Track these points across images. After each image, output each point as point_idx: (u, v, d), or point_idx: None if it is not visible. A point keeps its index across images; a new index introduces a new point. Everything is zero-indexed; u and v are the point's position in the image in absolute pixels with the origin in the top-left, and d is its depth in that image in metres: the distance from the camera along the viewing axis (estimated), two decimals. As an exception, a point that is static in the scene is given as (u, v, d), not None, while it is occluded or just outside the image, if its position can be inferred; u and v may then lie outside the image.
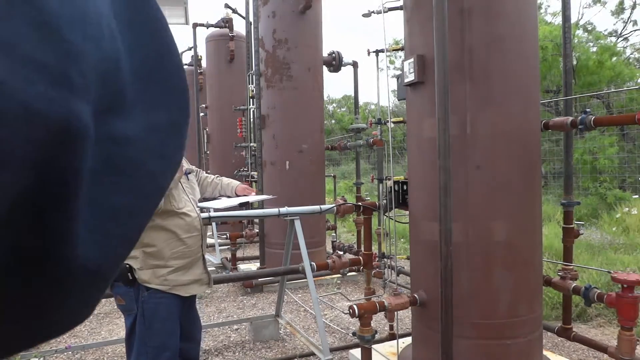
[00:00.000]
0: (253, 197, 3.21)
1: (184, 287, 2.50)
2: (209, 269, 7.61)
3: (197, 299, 5.82)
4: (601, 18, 43.32)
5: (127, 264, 2.34)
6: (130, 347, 2.53)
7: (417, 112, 3.13)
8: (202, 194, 3.04)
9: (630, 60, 14.30)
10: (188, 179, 2.71)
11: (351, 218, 9.72)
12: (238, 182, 3.21)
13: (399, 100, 4.45)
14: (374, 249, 4.88)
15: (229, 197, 3.15)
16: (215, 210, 3.11)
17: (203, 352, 4.20)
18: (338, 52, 7.28)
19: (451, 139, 2.53)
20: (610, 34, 15.66)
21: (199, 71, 10.50)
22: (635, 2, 15.13)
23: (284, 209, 3.91)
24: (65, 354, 4.14)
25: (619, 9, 15.38)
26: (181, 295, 2.50)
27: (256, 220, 7.92)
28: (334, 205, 3.99)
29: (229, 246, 6.87)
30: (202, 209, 3.17)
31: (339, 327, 4.74)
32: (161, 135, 0.34)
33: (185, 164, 2.80)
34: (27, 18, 0.23)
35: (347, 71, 7.90)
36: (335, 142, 8.17)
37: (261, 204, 6.43)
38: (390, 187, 3.72)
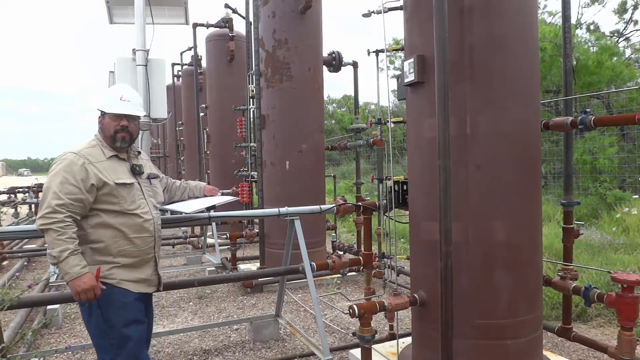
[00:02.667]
0: (217, 199, 3.27)
1: (132, 284, 2.54)
2: (208, 269, 7.59)
3: (197, 299, 5.83)
4: (602, 18, 43.30)
5: None
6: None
7: (417, 112, 3.13)
8: (172, 199, 3.16)
9: (631, 61, 14.29)
10: (150, 183, 2.78)
11: (351, 218, 9.72)
12: (204, 183, 3.35)
13: (399, 100, 4.45)
14: (374, 249, 4.88)
15: (197, 197, 3.28)
16: (186, 214, 3.18)
17: (203, 352, 4.21)
18: (338, 52, 7.28)
19: (451, 139, 2.53)
20: (612, 34, 15.66)
21: (199, 71, 10.50)
22: (637, 2, 15.12)
23: (284, 209, 3.91)
24: (65, 354, 4.14)
25: (622, 9, 15.37)
26: (131, 290, 2.54)
27: (256, 220, 7.93)
28: (334, 205, 3.99)
29: (229, 246, 6.87)
30: (171, 212, 3.25)
31: (339, 327, 4.74)
32: None
33: (152, 169, 2.90)
34: None
35: (347, 71, 7.90)
36: (335, 142, 8.17)
37: (261, 204, 6.44)
38: (390, 187, 3.72)
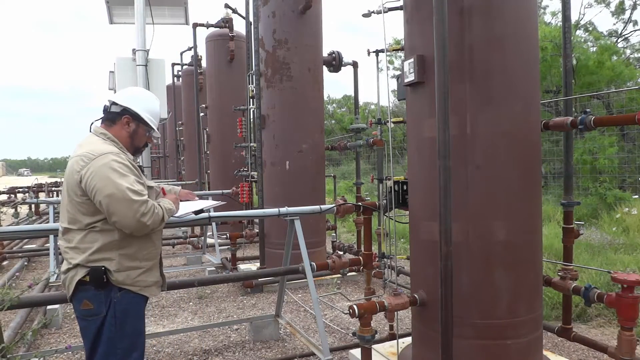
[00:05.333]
0: (205, 203, 3.22)
1: (148, 289, 2.50)
2: (208, 269, 7.59)
3: (197, 299, 5.82)
4: (601, 18, 43.30)
5: (103, 266, 2.30)
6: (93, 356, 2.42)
7: (417, 112, 3.13)
8: None
9: (630, 61, 14.29)
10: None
11: (351, 218, 9.72)
12: (179, 188, 3.23)
13: (399, 100, 4.46)
14: (374, 249, 4.88)
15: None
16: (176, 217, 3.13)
17: (203, 352, 4.21)
18: (338, 52, 7.28)
19: (451, 139, 2.53)
20: (610, 34, 15.66)
21: (199, 71, 10.49)
22: (635, 2, 15.13)
23: (284, 209, 3.91)
24: (65, 354, 4.14)
25: (620, 9, 15.37)
26: (145, 296, 2.50)
27: (256, 220, 7.93)
28: (334, 205, 3.99)
29: (229, 246, 6.87)
30: None
31: (339, 327, 4.74)
32: None
33: None
34: None
35: (347, 71, 7.93)
36: (335, 142, 8.17)
37: (261, 204, 6.44)
38: (390, 187, 3.72)
